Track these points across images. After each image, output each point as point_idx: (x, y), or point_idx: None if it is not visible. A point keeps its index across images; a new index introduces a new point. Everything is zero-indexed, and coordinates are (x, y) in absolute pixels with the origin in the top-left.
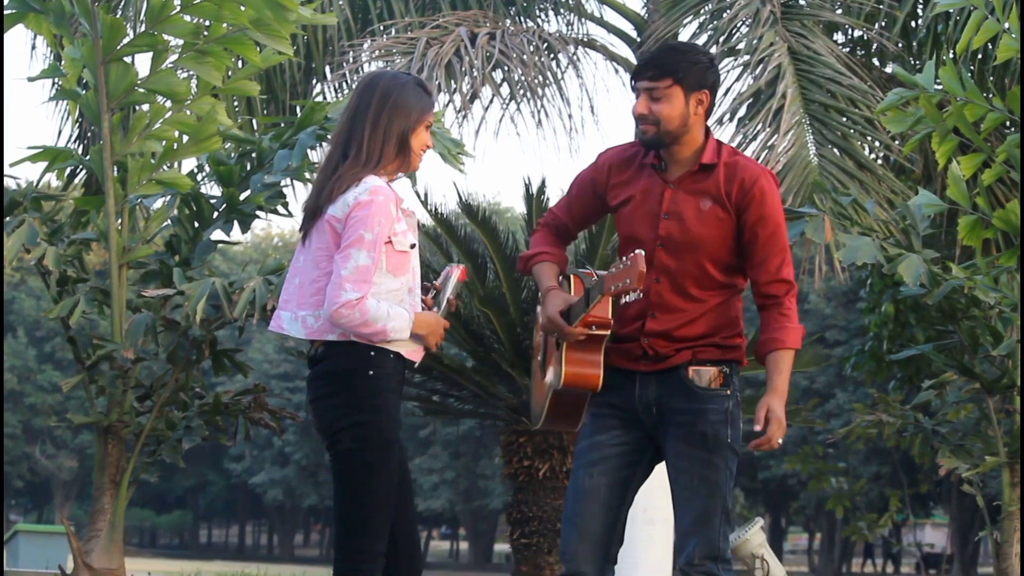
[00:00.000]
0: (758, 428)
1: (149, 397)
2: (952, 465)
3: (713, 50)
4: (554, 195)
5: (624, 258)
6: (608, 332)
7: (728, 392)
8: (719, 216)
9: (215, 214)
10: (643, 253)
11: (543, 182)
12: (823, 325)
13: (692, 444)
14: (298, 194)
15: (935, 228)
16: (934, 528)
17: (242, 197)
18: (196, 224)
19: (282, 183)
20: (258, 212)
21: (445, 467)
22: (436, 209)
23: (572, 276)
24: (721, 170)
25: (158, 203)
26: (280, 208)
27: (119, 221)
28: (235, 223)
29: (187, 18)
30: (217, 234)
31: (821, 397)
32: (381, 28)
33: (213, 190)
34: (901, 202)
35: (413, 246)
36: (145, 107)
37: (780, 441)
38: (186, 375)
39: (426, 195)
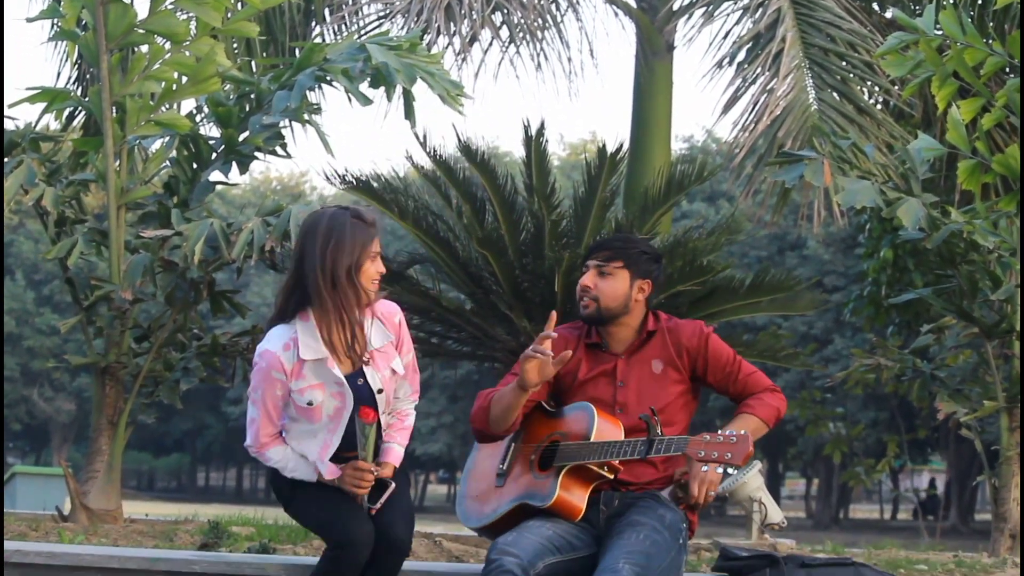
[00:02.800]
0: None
1: (147, 338)
2: (950, 409)
3: None
4: (553, 138)
5: (728, 432)
6: (610, 477)
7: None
8: (673, 378)
9: (214, 155)
10: (751, 435)
11: (542, 125)
12: (821, 271)
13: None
14: (297, 136)
15: (934, 173)
16: (931, 474)
17: (241, 138)
18: (195, 165)
19: (281, 124)
20: (257, 153)
21: (443, 411)
22: (435, 151)
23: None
24: (666, 336)
25: (156, 144)
26: (279, 149)
27: (117, 162)
28: (234, 164)
29: None
30: (216, 175)
31: (819, 343)
32: None
33: (212, 131)
34: (900, 146)
35: (311, 403)
36: (144, 48)
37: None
38: (184, 316)
39: (425, 137)
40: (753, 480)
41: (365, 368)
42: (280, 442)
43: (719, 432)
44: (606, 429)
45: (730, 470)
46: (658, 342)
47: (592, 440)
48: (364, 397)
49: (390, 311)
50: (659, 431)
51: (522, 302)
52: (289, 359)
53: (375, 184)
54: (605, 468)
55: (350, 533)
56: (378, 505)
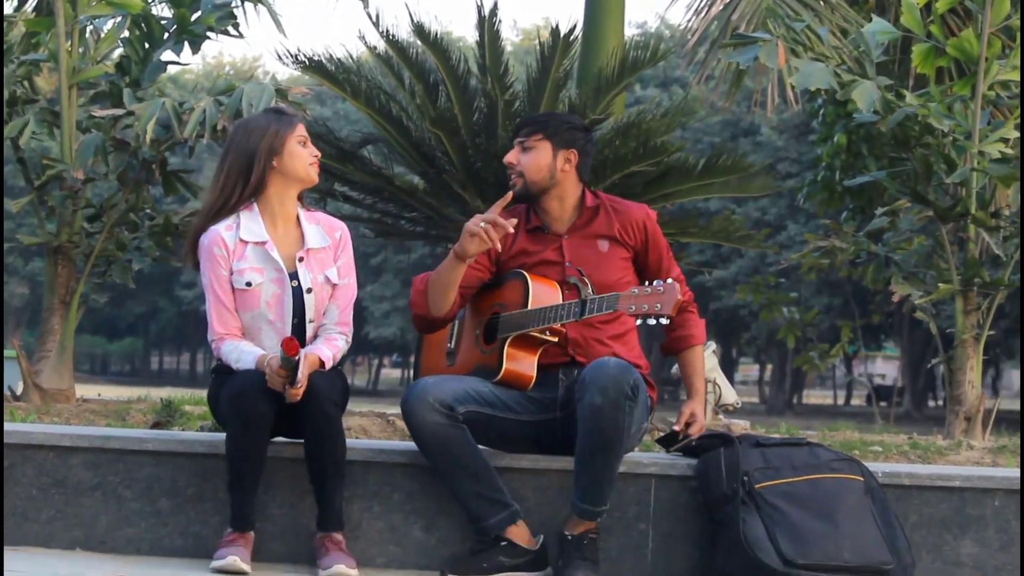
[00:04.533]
0: (677, 428)
1: (99, 218)
2: (905, 292)
3: None
4: (506, 24)
5: (656, 284)
6: (554, 340)
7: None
8: (620, 255)
9: (166, 35)
10: (677, 284)
11: (495, 5)
12: (775, 157)
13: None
14: (249, 16)
15: (888, 57)
16: (885, 361)
17: (193, 18)
18: (146, 45)
19: (233, 4)
20: (209, 33)
21: (396, 295)
22: (388, 32)
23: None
24: (610, 213)
25: (108, 24)
26: (231, 29)
27: (69, 43)
28: (186, 44)
29: None
30: (168, 55)
31: (773, 228)
32: None
33: (164, 11)
34: (855, 30)
35: (249, 284)
36: None
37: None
38: (136, 196)
39: (378, 18)
40: (708, 361)
41: (299, 266)
42: (239, 337)
43: (646, 284)
44: (542, 293)
45: (663, 320)
46: (602, 221)
47: (530, 307)
48: (295, 297)
49: (334, 224)
50: (590, 291)
51: (475, 182)
52: (231, 238)
53: (328, 64)
54: (547, 333)
55: (244, 383)
56: (294, 388)
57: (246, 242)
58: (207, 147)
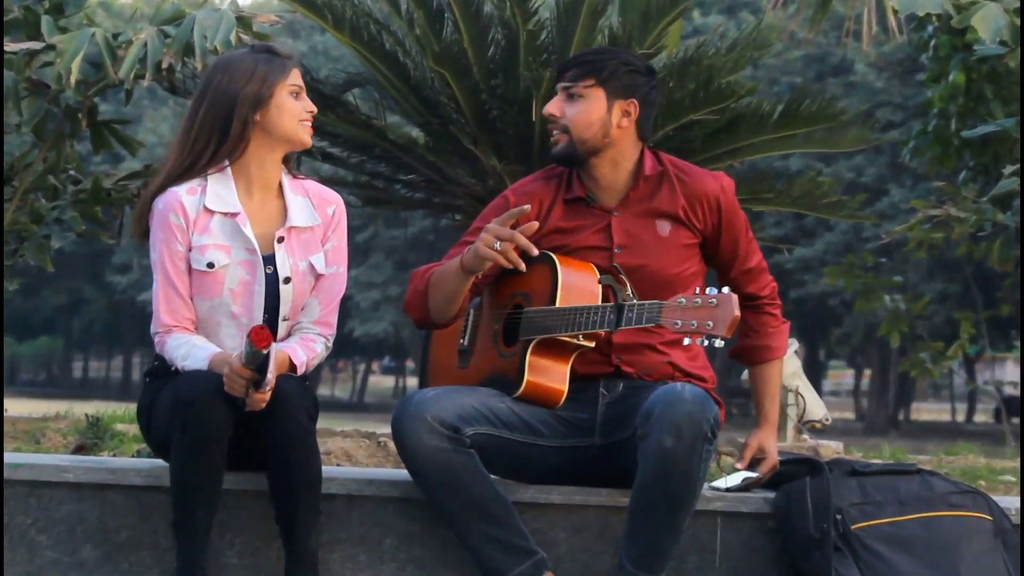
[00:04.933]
0: (740, 466)
1: (9, 182)
2: None
3: None
4: None
5: (702, 292)
6: (590, 345)
7: None
8: (685, 242)
9: None
10: (736, 295)
11: None
12: (873, 101)
13: None
14: None
15: None
16: (1017, 365)
17: None
18: None
19: None
20: None
21: (389, 280)
22: None
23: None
24: (675, 184)
25: None
26: None
27: None
28: None
29: None
30: None
31: (871, 193)
32: None
33: None
34: None
35: (211, 265)
36: None
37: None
38: (57, 154)
39: None
40: (787, 364)
41: (276, 248)
42: (191, 330)
43: (696, 294)
44: (574, 286)
45: (716, 342)
46: (665, 194)
47: (558, 304)
48: (269, 286)
49: (327, 197)
50: (629, 292)
51: (490, 135)
52: (193, 205)
53: None
54: (580, 337)
55: (196, 387)
56: (260, 392)
57: (212, 212)
58: (148, 91)
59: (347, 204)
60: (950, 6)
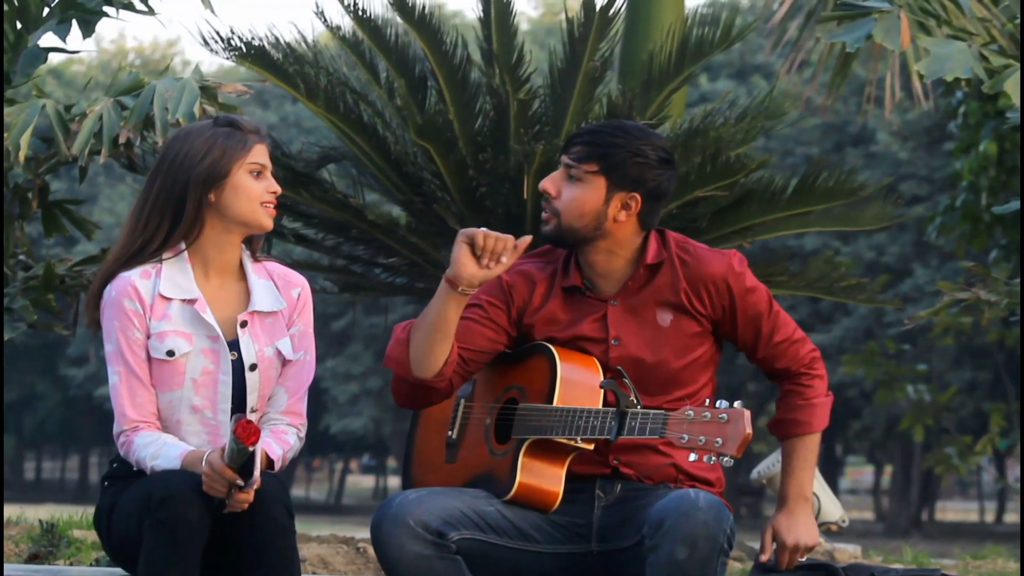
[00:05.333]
0: (764, 558)
1: None
2: None
3: None
4: None
5: (712, 405)
6: (589, 448)
7: None
8: (689, 332)
9: (46, 10)
10: (748, 411)
11: None
12: (896, 173)
13: None
14: None
15: None
16: None
17: None
18: (18, 25)
19: None
20: (106, 8)
21: (368, 372)
22: (356, 4)
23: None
24: (678, 269)
25: None
26: (137, 2)
27: None
28: (74, 23)
29: None
30: (49, 39)
31: (893, 274)
32: None
33: None
34: None
35: (171, 353)
36: None
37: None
38: (6, 237)
39: None
40: None
41: (240, 334)
42: (158, 426)
43: (706, 407)
44: (574, 384)
45: (724, 460)
46: (666, 279)
47: (556, 403)
48: (234, 374)
49: (291, 280)
50: (633, 399)
51: (478, 213)
52: (147, 290)
53: (273, 51)
54: (578, 440)
55: (170, 484)
56: (245, 492)
57: (168, 299)
58: (104, 168)
59: (323, 290)
60: (980, 70)
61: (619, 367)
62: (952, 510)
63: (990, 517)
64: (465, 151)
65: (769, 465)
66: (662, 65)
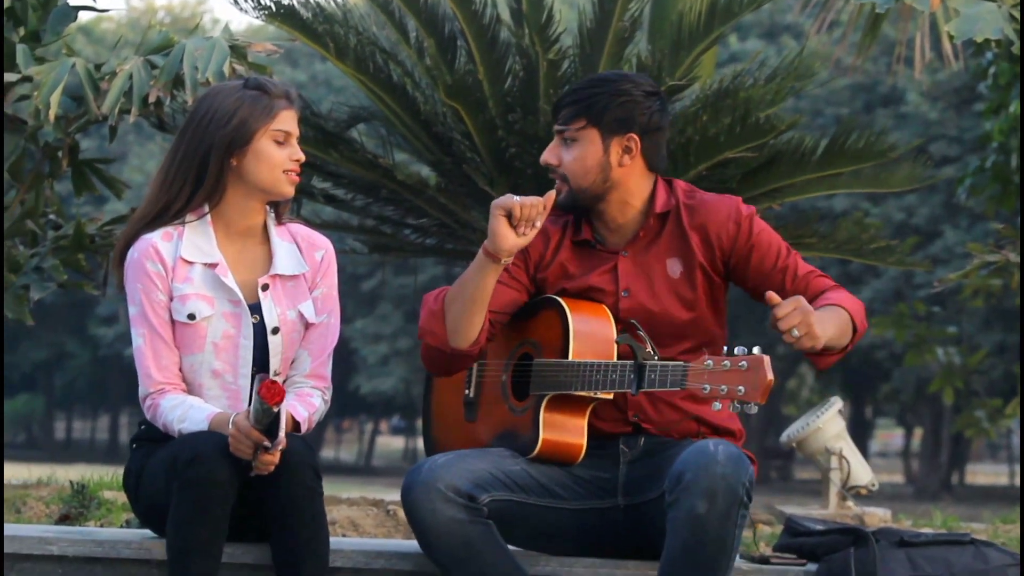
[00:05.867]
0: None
1: None
2: None
3: None
4: None
5: (730, 354)
6: (609, 397)
7: None
8: (698, 282)
9: None
10: (767, 357)
11: None
12: (926, 134)
13: None
14: None
15: None
16: None
17: None
18: None
19: None
20: None
21: (398, 332)
22: None
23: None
24: (683, 217)
25: None
26: None
27: None
28: None
29: None
30: None
31: (923, 236)
32: None
33: None
34: None
35: (192, 317)
36: None
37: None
38: (35, 196)
39: None
40: (830, 425)
41: (262, 297)
42: (184, 389)
43: (724, 356)
44: (587, 336)
45: (747, 408)
46: (673, 229)
47: (571, 356)
48: (256, 338)
49: (315, 242)
50: (649, 350)
51: (508, 174)
52: (169, 252)
53: (302, 10)
54: (598, 393)
55: (197, 446)
56: (271, 453)
57: (190, 262)
58: (134, 127)
59: (352, 251)
60: (1011, 31)
61: (632, 319)
62: (982, 473)
63: (1019, 480)
64: (494, 111)
65: (799, 428)
66: (692, 25)
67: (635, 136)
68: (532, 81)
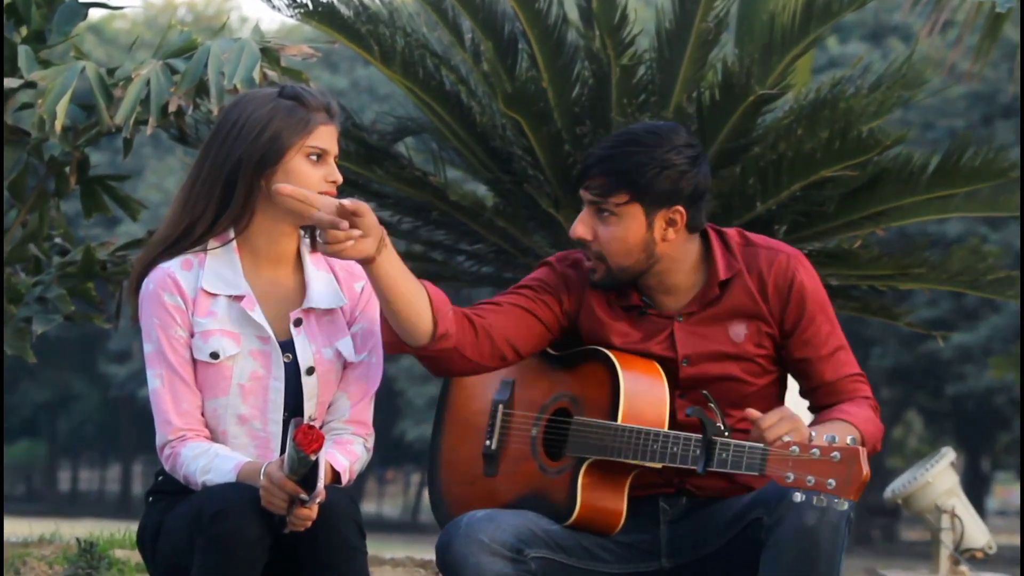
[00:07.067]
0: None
1: None
2: None
3: None
4: None
5: (826, 439)
6: (658, 467)
7: None
8: (763, 344)
9: None
10: (864, 448)
11: None
12: None
13: None
14: None
15: None
16: None
17: None
18: None
19: None
20: None
21: None
22: None
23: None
24: (745, 276)
25: None
26: None
27: None
28: None
29: None
30: None
31: None
32: None
33: None
34: None
35: (216, 356)
36: None
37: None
38: (39, 217)
39: None
40: (941, 479)
41: (294, 333)
42: (208, 436)
43: (813, 443)
44: (640, 393)
45: (836, 503)
46: (740, 289)
47: (621, 420)
48: (288, 380)
49: (355, 272)
50: (720, 425)
51: (575, 195)
52: (189, 282)
53: (343, 8)
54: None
55: (224, 499)
56: (307, 507)
57: (213, 294)
58: (151, 140)
59: None
60: None
61: (704, 391)
62: None
63: (1020, 497)
64: (560, 123)
65: (906, 482)
66: (785, 26)
67: (681, 208)
68: (603, 89)
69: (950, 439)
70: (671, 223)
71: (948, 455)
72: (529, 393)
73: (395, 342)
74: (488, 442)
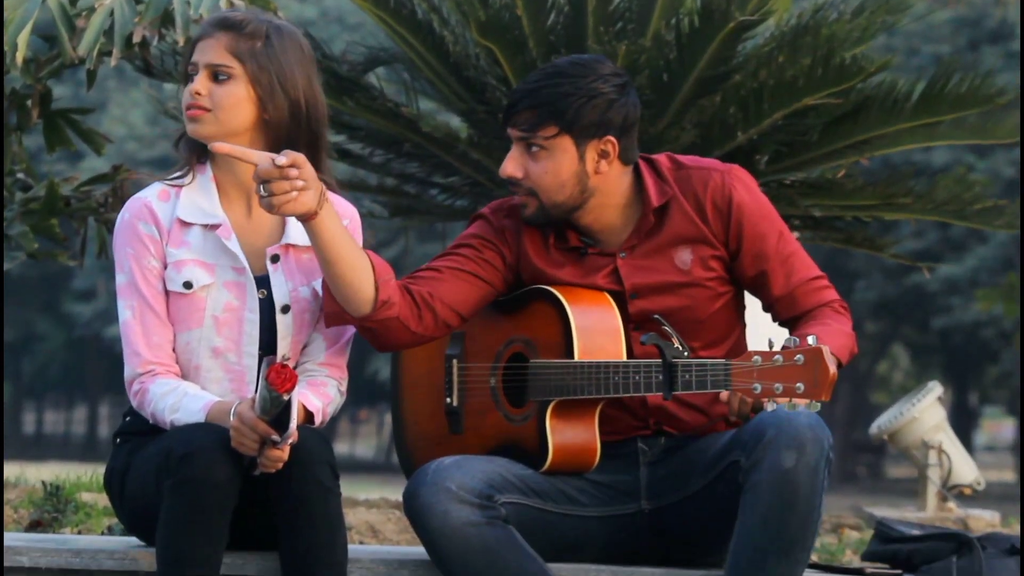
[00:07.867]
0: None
1: None
2: None
3: None
4: None
5: (791, 344)
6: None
7: None
8: (711, 267)
9: None
10: (825, 346)
11: None
12: None
13: None
14: None
15: None
16: None
17: None
18: None
19: None
20: None
21: None
22: None
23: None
24: (680, 198)
25: None
26: None
27: None
28: None
29: None
30: None
31: None
32: None
33: None
34: None
35: (188, 285)
36: None
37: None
38: (2, 152)
39: None
40: (928, 415)
41: (271, 269)
42: (178, 373)
43: (774, 350)
44: (593, 327)
45: (809, 407)
46: (677, 214)
47: (577, 356)
48: (263, 317)
49: (337, 209)
50: (678, 346)
51: None
52: (165, 212)
53: None
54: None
55: (192, 440)
56: (279, 448)
57: (188, 224)
58: (115, 72)
59: (371, 215)
60: None
61: (657, 315)
62: None
63: (1019, 476)
64: (536, 52)
65: (892, 418)
66: None
67: (612, 138)
68: (579, 16)
69: (937, 373)
70: (603, 155)
71: (935, 390)
72: (481, 343)
73: (337, 311)
74: (449, 399)
